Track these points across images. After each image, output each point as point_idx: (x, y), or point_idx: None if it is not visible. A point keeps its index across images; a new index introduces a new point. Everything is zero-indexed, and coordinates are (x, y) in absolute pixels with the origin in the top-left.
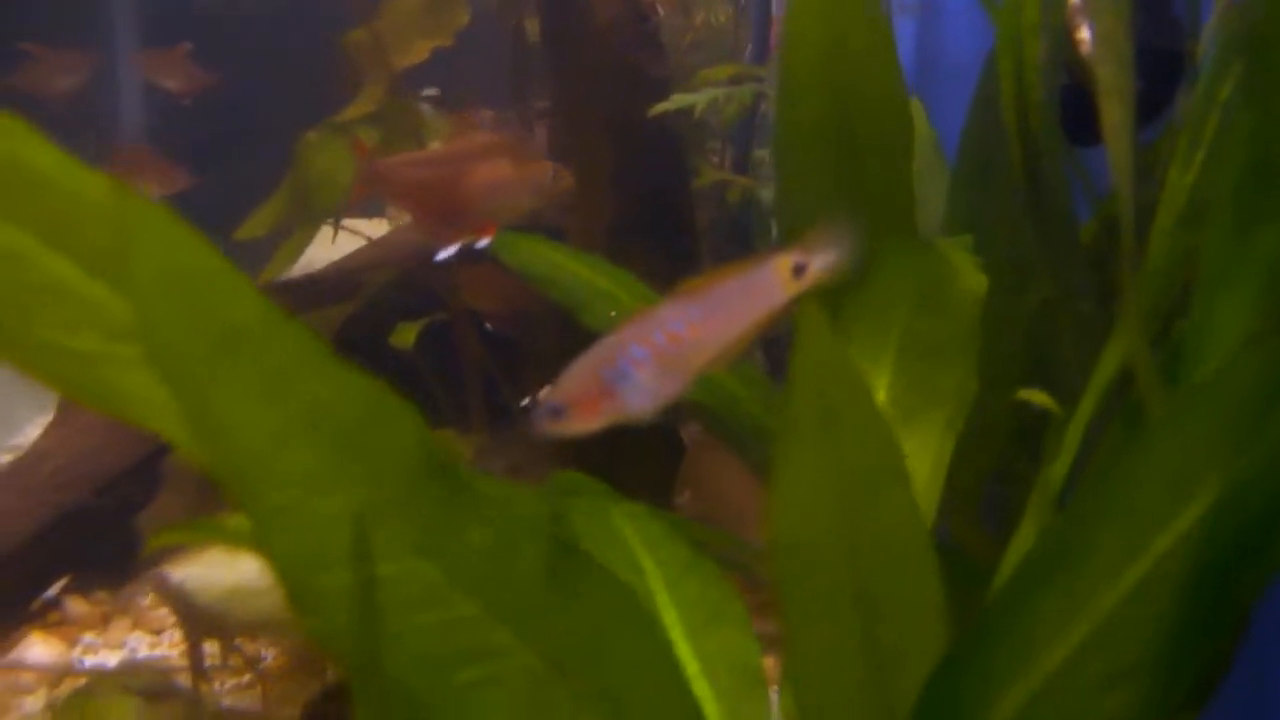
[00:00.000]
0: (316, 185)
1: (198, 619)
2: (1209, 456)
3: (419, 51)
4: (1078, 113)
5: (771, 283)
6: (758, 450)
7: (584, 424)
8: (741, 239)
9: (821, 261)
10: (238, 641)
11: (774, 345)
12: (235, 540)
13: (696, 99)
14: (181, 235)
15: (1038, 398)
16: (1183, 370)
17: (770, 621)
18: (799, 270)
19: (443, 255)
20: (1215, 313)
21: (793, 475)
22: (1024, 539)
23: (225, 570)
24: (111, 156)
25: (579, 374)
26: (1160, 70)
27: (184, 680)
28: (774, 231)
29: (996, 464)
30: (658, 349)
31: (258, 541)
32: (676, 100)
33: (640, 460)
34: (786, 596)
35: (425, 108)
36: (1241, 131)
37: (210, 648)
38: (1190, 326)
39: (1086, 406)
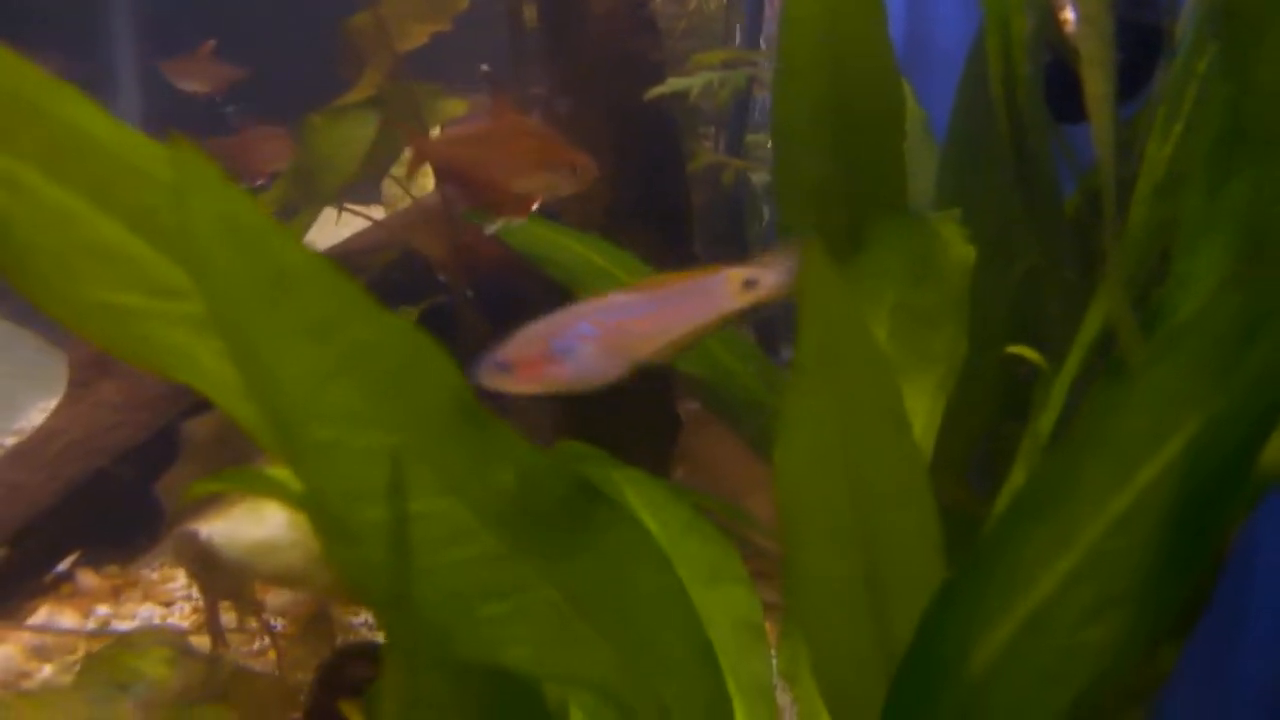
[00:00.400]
0: (320, 168)
1: (218, 578)
2: (1190, 391)
3: (417, 36)
4: (1062, 90)
5: (722, 292)
6: (753, 424)
7: (525, 385)
8: (735, 221)
9: (772, 281)
10: (257, 601)
11: (765, 326)
12: (268, 489)
13: (692, 83)
14: (233, 190)
15: (1025, 352)
16: (1162, 321)
17: (767, 589)
18: (749, 285)
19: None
20: (1193, 265)
21: (799, 414)
22: (1014, 484)
23: (250, 526)
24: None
25: (529, 337)
26: (1141, 46)
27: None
28: (766, 215)
29: (986, 426)
30: (606, 331)
31: (299, 478)
32: (672, 84)
33: (637, 436)
34: (791, 534)
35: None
36: (1217, 100)
37: (225, 617)
38: (1169, 282)
39: (1073, 362)
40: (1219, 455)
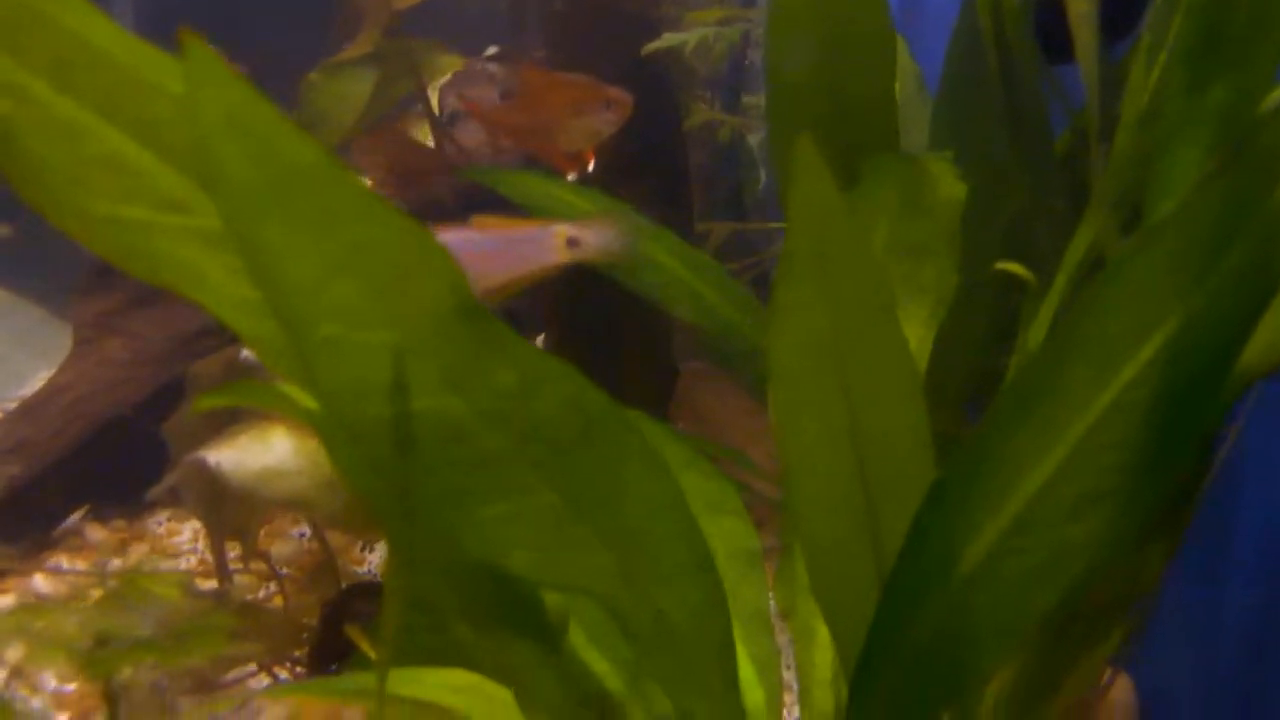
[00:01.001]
0: (318, 125)
1: (225, 508)
2: (1170, 288)
3: None
4: (1053, 29)
5: (548, 245)
6: (753, 374)
7: None
8: (731, 180)
9: (594, 242)
10: (263, 550)
11: (761, 281)
12: (273, 401)
13: (687, 38)
14: (245, 87)
15: (1014, 269)
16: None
17: (767, 536)
18: (573, 243)
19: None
20: (1173, 167)
21: (789, 310)
22: None
23: (258, 453)
24: None
25: None
26: None
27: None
28: (764, 176)
29: (981, 359)
30: None
31: (305, 379)
32: (668, 39)
33: (635, 388)
34: (784, 433)
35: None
36: (1194, 6)
37: (233, 569)
38: (1150, 185)
39: (1061, 280)
40: (1200, 353)
